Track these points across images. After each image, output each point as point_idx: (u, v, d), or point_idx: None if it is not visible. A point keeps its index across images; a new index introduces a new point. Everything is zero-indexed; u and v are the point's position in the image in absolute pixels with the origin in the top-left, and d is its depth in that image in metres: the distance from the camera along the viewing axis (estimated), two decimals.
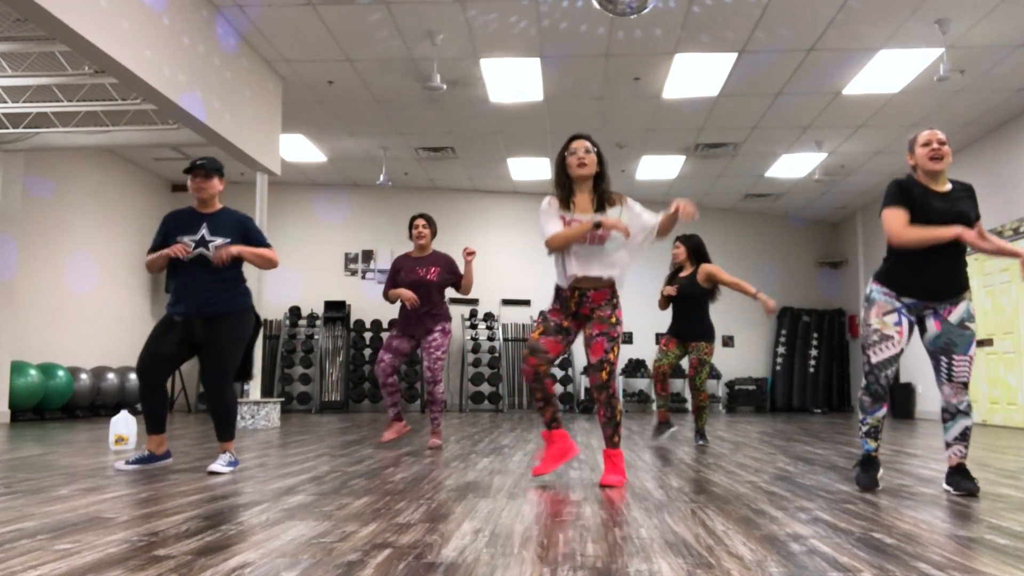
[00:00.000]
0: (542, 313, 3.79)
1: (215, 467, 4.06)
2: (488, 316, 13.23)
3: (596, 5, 6.08)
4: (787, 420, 10.34)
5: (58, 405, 9.66)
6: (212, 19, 7.06)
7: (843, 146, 10.46)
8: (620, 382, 13.04)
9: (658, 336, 6.35)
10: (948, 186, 3.60)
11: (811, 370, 13.50)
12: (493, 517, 2.78)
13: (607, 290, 3.68)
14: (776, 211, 13.95)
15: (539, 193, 13.48)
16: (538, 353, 3.64)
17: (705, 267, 5.97)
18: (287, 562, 2.09)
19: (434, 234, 5.82)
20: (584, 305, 3.67)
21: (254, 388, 8.48)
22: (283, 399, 10.98)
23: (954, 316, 3.42)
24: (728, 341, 13.79)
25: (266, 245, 4.33)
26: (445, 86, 7.96)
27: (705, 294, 5.95)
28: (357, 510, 2.91)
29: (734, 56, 7.83)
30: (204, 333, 4.11)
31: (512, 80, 8.52)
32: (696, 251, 6.08)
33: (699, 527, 2.62)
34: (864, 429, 3.59)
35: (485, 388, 12.89)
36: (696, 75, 8.30)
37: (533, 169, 12.05)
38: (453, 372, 13.12)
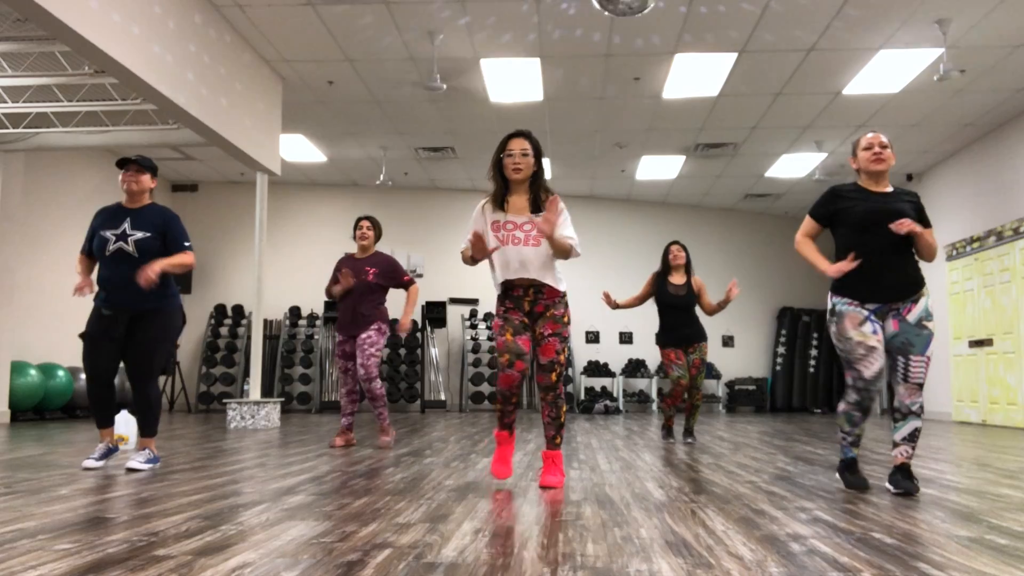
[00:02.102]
0: (501, 315, 3.63)
1: (133, 463, 4.12)
2: (488, 316, 13.23)
3: (596, 5, 6.08)
4: (787, 420, 10.34)
5: (58, 405, 9.66)
6: (212, 19, 7.06)
7: (843, 146, 10.46)
8: (620, 382, 13.04)
9: (658, 336, 6.34)
10: (890, 188, 3.61)
11: (811, 370, 13.50)
12: (493, 517, 2.78)
13: (559, 289, 3.66)
14: (776, 211, 13.95)
15: None
16: (523, 356, 3.52)
17: (699, 280, 6.31)
18: (287, 562, 2.09)
19: (378, 237, 5.98)
20: (539, 303, 3.62)
21: (254, 388, 8.48)
22: (283, 399, 10.98)
23: (913, 315, 3.43)
24: (728, 341, 13.79)
25: (183, 247, 4.27)
26: (445, 86, 7.96)
27: (696, 300, 6.24)
28: (357, 510, 2.91)
29: (734, 56, 7.83)
30: (132, 328, 4.15)
31: (512, 80, 8.52)
32: (689, 258, 6.33)
33: (699, 527, 2.62)
34: (850, 440, 3.57)
35: (485, 388, 12.89)
36: (696, 75, 8.30)
37: None
38: (453, 372, 13.13)
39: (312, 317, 13.09)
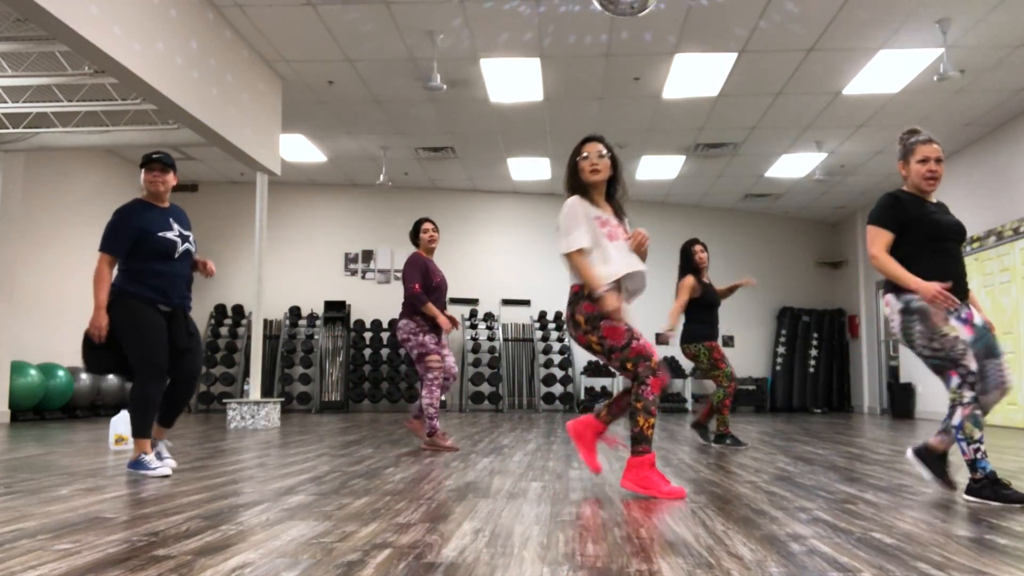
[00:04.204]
0: (619, 319, 3.37)
1: (173, 461, 4.21)
2: (488, 316, 13.24)
3: (597, 5, 6.08)
4: (787, 420, 10.34)
5: (58, 405, 9.66)
6: (212, 19, 7.06)
7: (843, 146, 10.46)
8: (620, 382, 13.05)
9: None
10: (934, 198, 3.53)
11: (811, 370, 13.51)
12: (493, 517, 2.78)
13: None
14: (776, 211, 13.95)
15: (539, 193, 13.49)
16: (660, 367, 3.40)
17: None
18: (287, 562, 2.09)
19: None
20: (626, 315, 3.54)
21: (254, 388, 8.48)
22: (283, 399, 10.98)
23: (978, 319, 3.34)
24: (728, 341, 13.79)
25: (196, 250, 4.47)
26: (445, 86, 7.96)
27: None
28: (357, 510, 2.91)
29: (734, 56, 7.83)
30: (179, 325, 4.17)
31: (512, 80, 8.52)
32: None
33: (699, 527, 2.62)
34: (983, 448, 3.16)
35: (485, 388, 12.89)
36: (696, 75, 8.30)
37: (533, 169, 12.05)
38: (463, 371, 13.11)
39: (312, 317, 13.09)
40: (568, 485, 3.65)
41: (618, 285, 3.44)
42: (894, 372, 12.36)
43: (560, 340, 13.23)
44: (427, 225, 5.78)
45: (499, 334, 13.12)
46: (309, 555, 2.17)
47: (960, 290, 3.36)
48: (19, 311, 9.40)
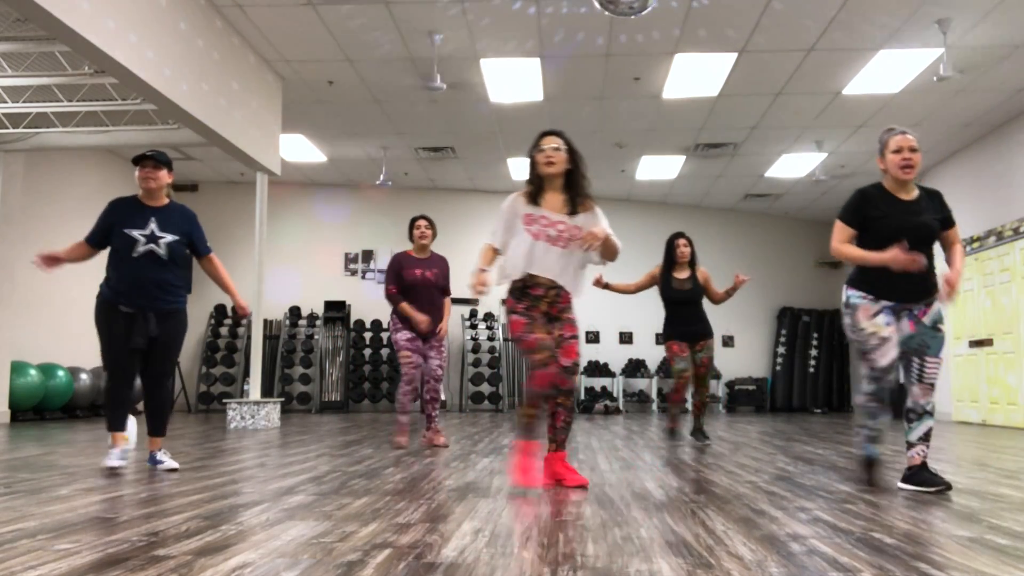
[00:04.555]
0: (522, 312, 3.52)
1: (171, 463, 4.21)
2: (488, 316, 13.23)
3: (596, 5, 6.08)
4: (787, 420, 10.34)
5: (58, 405, 9.66)
6: (212, 19, 7.06)
7: (843, 146, 10.46)
8: (620, 382, 13.05)
9: (658, 336, 6.29)
10: (915, 192, 3.56)
11: (811, 370, 13.51)
12: (493, 517, 2.78)
13: (569, 295, 3.65)
14: (776, 211, 13.95)
15: None
16: (554, 351, 3.45)
17: (704, 271, 6.21)
18: (287, 562, 2.09)
19: (434, 236, 5.89)
20: (556, 305, 3.59)
21: (254, 388, 8.48)
22: (283, 399, 10.98)
23: (928, 318, 3.47)
24: (728, 341, 13.79)
25: (208, 250, 4.37)
26: (445, 86, 7.96)
27: (703, 294, 6.11)
28: (357, 510, 2.91)
29: (734, 56, 7.83)
30: (156, 328, 4.14)
31: (512, 80, 8.52)
32: (693, 250, 6.21)
33: (699, 527, 2.62)
34: (871, 435, 3.55)
35: (485, 388, 12.89)
36: (696, 75, 8.30)
37: None
38: (453, 372, 13.12)
39: (312, 317, 13.09)
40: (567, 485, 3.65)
41: (522, 283, 3.55)
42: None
43: None
44: (420, 222, 5.85)
45: (499, 334, 13.11)
46: (309, 555, 2.17)
47: (913, 290, 3.44)
48: (19, 311, 9.40)
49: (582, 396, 12.90)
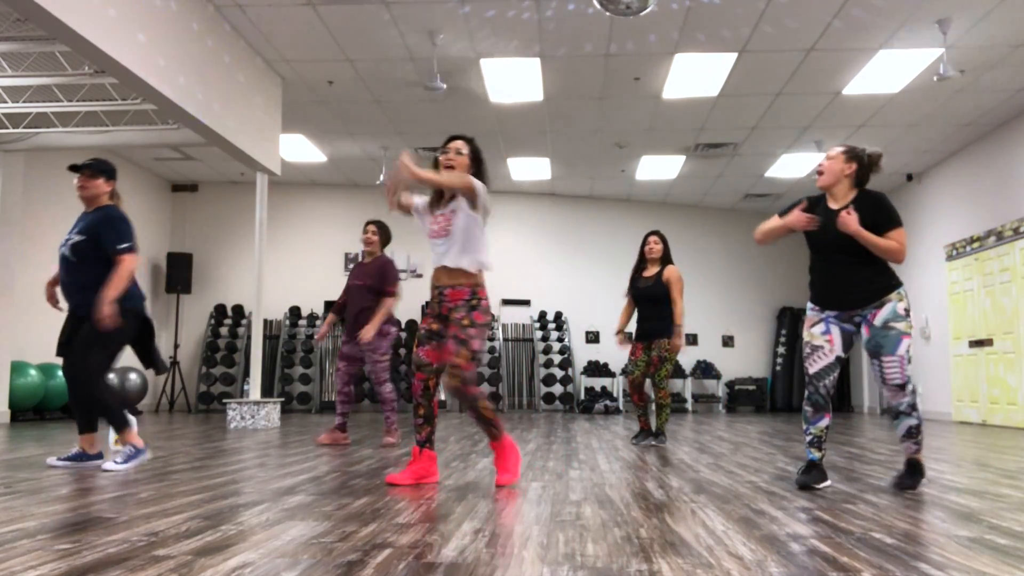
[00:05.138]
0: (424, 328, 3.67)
1: (107, 465, 4.14)
2: None
3: (596, 5, 6.08)
4: (787, 420, 10.34)
5: (58, 405, 9.66)
6: (212, 19, 7.06)
7: None
8: (620, 382, 13.05)
9: (630, 336, 6.19)
10: (848, 199, 3.63)
11: None
12: (493, 517, 2.78)
13: (466, 289, 3.57)
14: (776, 211, 13.92)
15: (539, 193, 13.50)
16: (422, 367, 3.55)
17: (672, 271, 5.91)
18: (287, 562, 2.09)
19: (385, 241, 6.01)
20: (443, 305, 3.60)
21: (254, 388, 8.48)
22: (283, 399, 10.98)
23: (879, 319, 3.50)
24: (728, 341, 13.79)
25: (116, 250, 4.15)
26: (445, 86, 7.96)
27: (668, 293, 5.89)
28: (357, 510, 2.91)
29: (734, 56, 7.83)
30: (67, 330, 4.23)
31: (512, 80, 8.52)
32: (666, 250, 6.04)
33: (699, 527, 2.62)
34: (808, 439, 3.65)
35: (485, 388, 12.89)
36: (696, 75, 8.30)
37: (533, 169, 12.05)
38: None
39: (312, 317, 13.09)
40: (568, 485, 3.65)
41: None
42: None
43: (560, 340, 13.24)
44: (368, 227, 6.01)
45: (499, 334, 13.12)
46: (309, 555, 2.17)
47: (846, 297, 3.55)
48: (19, 311, 9.39)
49: (582, 396, 12.91)
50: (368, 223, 6.04)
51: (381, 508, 2.95)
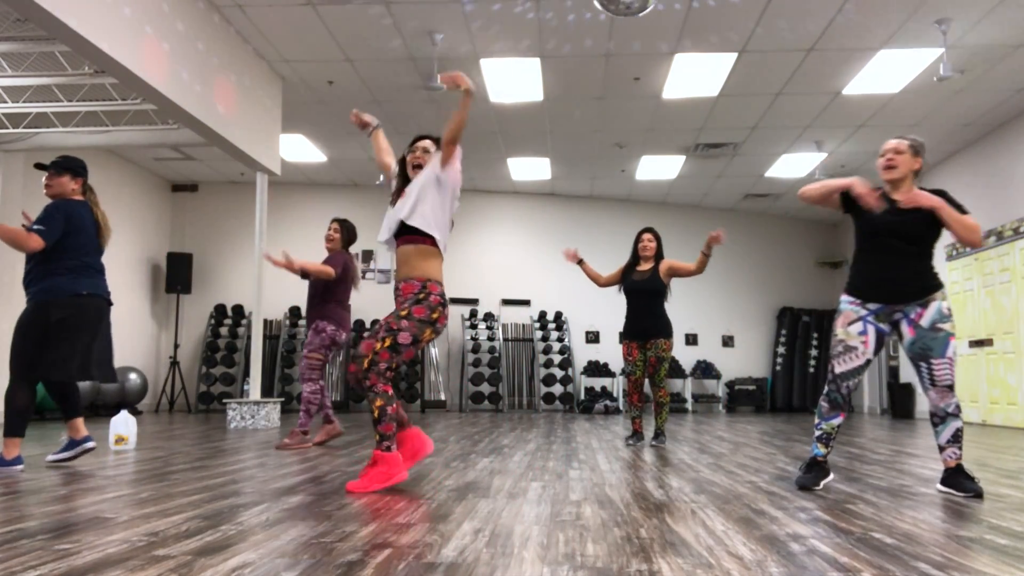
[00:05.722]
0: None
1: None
2: (488, 316, 13.23)
3: (596, 5, 6.08)
4: (787, 420, 10.34)
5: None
6: (212, 19, 7.06)
7: (843, 146, 10.46)
8: (620, 382, 13.04)
9: (621, 336, 6.14)
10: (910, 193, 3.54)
11: (811, 370, 13.50)
12: (493, 517, 2.78)
13: (416, 284, 3.49)
14: (776, 211, 13.95)
15: (539, 193, 13.49)
16: (356, 358, 3.37)
17: (667, 262, 5.91)
18: (287, 562, 2.09)
19: (347, 241, 5.98)
20: (397, 299, 3.55)
21: (254, 388, 8.48)
22: (283, 399, 10.97)
23: (925, 319, 3.43)
24: (728, 341, 13.79)
25: (31, 228, 4.24)
26: (445, 86, 7.94)
27: (665, 290, 5.87)
28: (357, 510, 2.91)
29: (734, 56, 7.83)
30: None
31: (512, 80, 8.52)
32: (660, 247, 6.01)
33: (699, 527, 2.62)
34: (817, 434, 3.62)
35: (485, 388, 12.88)
36: (696, 75, 8.30)
37: (533, 169, 12.05)
38: (453, 372, 13.13)
39: None
40: (568, 485, 3.65)
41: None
42: (894, 372, 12.36)
43: (560, 340, 13.23)
44: (332, 224, 6.01)
45: (499, 334, 13.11)
46: (309, 555, 2.17)
47: (899, 290, 3.45)
48: (19, 311, 9.38)
49: (582, 396, 12.90)
50: (332, 220, 6.03)
51: (381, 508, 2.95)
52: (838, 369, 3.53)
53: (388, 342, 3.36)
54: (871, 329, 3.50)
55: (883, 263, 3.49)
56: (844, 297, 3.62)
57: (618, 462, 4.69)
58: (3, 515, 2.78)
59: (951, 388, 3.39)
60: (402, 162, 3.75)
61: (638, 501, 3.17)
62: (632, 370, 5.91)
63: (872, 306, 3.51)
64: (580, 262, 5.94)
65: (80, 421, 4.44)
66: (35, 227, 4.18)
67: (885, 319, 3.51)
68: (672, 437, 6.77)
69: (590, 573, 1.99)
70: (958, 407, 3.42)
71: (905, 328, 3.47)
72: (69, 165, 4.38)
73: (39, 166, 4.41)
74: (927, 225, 3.47)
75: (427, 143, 3.72)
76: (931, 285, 3.47)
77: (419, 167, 3.66)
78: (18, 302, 9.28)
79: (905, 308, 3.47)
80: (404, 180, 3.76)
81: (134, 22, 5.80)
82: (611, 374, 13.03)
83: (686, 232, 13.52)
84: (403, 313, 3.42)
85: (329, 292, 5.79)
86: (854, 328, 3.52)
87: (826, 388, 3.60)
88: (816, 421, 3.64)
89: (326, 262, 5.80)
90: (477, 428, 7.98)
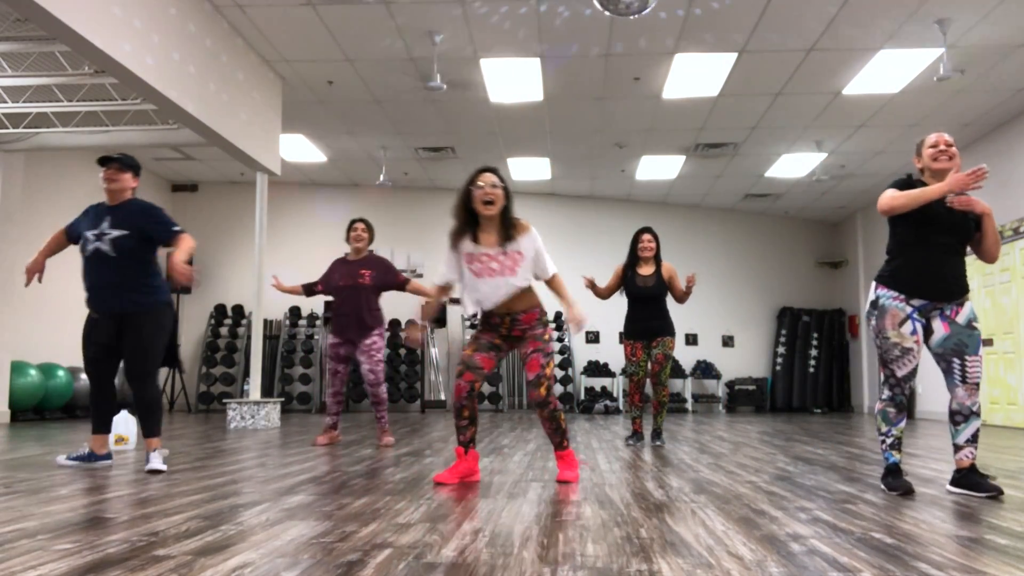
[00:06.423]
0: (474, 338, 3.82)
1: (155, 465, 4.02)
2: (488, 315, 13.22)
3: (597, 5, 6.08)
4: (787, 420, 10.34)
5: (58, 405, 9.66)
6: (212, 19, 7.06)
7: (843, 146, 10.46)
8: (620, 382, 13.04)
9: (623, 336, 6.15)
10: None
11: (811, 370, 13.50)
12: (493, 517, 2.78)
13: (536, 311, 3.78)
14: (776, 211, 13.95)
15: (539, 193, 13.49)
16: (475, 369, 3.67)
17: (669, 266, 5.98)
18: (287, 562, 2.09)
19: (371, 239, 6.05)
20: (515, 328, 3.74)
21: (254, 388, 8.48)
22: (283, 399, 10.98)
23: (961, 317, 3.41)
24: (728, 341, 13.79)
25: (173, 232, 4.18)
26: (445, 86, 7.96)
27: (666, 291, 5.91)
28: (357, 510, 2.91)
29: (734, 56, 7.83)
30: (123, 329, 4.13)
31: (512, 80, 8.51)
32: (658, 247, 6.02)
33: (699, 527, 2.62)
34: (889, 441, 3.49)
35: (485, 388, 12.89)
36: (696, 75, 8.30)
37: (533, 169, 12.05)
38: (453, 372, 13.11)
39: (312, 317, 13.09)
40: (568, 485, 3.65)
41: (477, 314, 3.80)
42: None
43: (560, 340, 13.23)
44: (357, 225, 6.03)
45: None
46: (309, 555, 2.17)
47: (946, 288, 3.42)
48: (19, 311, 9.40)
49: (582, 396, 12.90)
50: (356, 221, 6.03)
51: (381, 508, 2.95)
52: (899, 372, 3.42)
53: (552, 364, 3.76)
54: (919, 327, 3.43)
55: (933, 259, 3.41)
56: (884, 292, 3.47)
57: (618, 462, 4.69)
58: (3, 515, 2.78)
59: (978, 386, 3.39)
60: (467, 195, 3.68)
61: (638, 501, 3.17)
62: (635, 370, 5.91)
63: (916, 302, 3.43)
64: (592, 285, 5.98)
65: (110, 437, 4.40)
66: (176, 228, 4.23)
67: (926, 314, 3.45)
68: (672, 437, 6.78)
69: (590, 573, 1.99)
70: (980, 407, 3.42)
71: (939, 324, 3.42)
72: (132, 163, 4.32)
73: (103, 160, 4.24)
74: (974, 225, 3.48)
75: (493, 177, 3.67)
76: (967, 286, 3.48)
77: (490, 203, 3.61)
78: (18, 302, 9.31)
79: (947, 305, 3.43)
80: (469, 213, 3.69)
81: (134, 22, 5.80)
82: (611, 374, 13.03)
83: (686, 232, 13.53)
84: (547, 337, 3.79)
85: (379, 297, 5.88)
86: (906, 329, 3.41)
87: (888, 393, 3.48)
88: (884, 428, 3.49)
89: (376, 267, 5.85)
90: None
